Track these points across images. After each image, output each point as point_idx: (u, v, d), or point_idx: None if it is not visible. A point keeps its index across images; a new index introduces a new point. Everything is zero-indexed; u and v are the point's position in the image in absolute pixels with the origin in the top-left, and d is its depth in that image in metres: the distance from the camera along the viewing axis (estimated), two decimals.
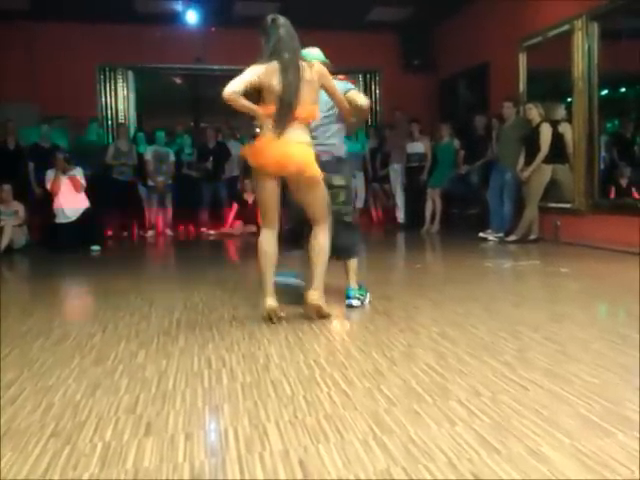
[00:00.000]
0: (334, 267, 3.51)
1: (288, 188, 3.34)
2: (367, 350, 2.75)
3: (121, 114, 9.74)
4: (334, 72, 3.49)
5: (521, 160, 6.83)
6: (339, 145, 3.63)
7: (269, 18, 3.25)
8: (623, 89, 7.06)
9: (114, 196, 8.27)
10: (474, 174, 7.98)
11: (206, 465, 1.67)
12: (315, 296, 3.29)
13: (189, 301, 3.97)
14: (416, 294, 4.08)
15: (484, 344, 2.80)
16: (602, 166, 6.56)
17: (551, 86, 7.48)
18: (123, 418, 2.01)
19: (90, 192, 7.36)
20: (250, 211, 8.71)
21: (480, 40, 8.53)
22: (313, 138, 3.34)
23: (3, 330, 3.25)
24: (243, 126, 9.95)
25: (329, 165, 3.48)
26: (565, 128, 6.71)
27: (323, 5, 8.16)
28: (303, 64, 3.19)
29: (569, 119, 6.71)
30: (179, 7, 8.69)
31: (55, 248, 6.88)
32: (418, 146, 8.58)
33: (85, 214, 7.21)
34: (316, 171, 3.21)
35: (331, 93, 3.33)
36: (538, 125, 6.65)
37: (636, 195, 6.51)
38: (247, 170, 8.99)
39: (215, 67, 9.49)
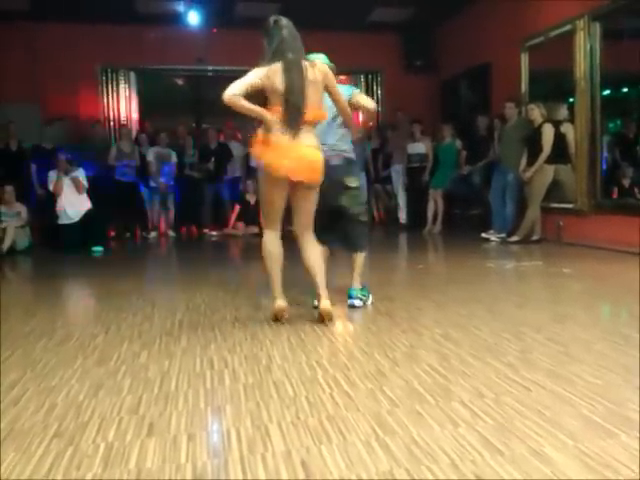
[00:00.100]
0: (334, 267, 3.51)
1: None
2: (369, 351, 2.75)
3: (123, 115, 9.74)
4: (337, 73, 3.51)
5: (523, 160, 6.82)
6: (349, 148, 3.64)
7: (272, 19, 3.24)
8: (625, 89, 7.05)
9: (116, 197, 8.28)
10: (476, 175, 7.98)
11: (208, 466, 1.68)
12: (328, 304, 3.28)
13: (191, 302, 3.97)
14: (418, 295, 4.08)
15: (487, 345, 2.80)
16: (604, 166, 6.55)
17: (553, 86, 7.47)
18: (126, 419, 2.02)
19: (92, 193, 7.37)
20: (252, 212, 8.72)
21: (482, 40, 8.53)
22: (323, 142, 3.34)
23: (6, 331, 3.26)
24: (245, 127, 9.98)
25: (341, 168, 3.52)
26: (567, 128, 6.70)
27: (324, 6, 8.16)
28: (306, 64, 3.18)
29: (571, 119, 6.70)
30: (181, 8, 8.69)
31: (57, 249, 6.90)
32: (419, 147, 8.58)
33: (87, 215, 7.22)
34: (321, 177, 3.21)
35: (334, 96, 3.31)
36: (540, 125, 6.64)
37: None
38: (250, 171, 9.08)
39: (217, 68, 9.50)
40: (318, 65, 3.24)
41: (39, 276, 6.04)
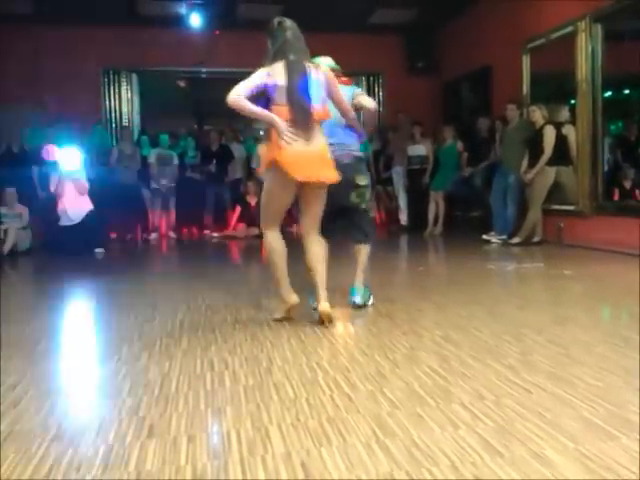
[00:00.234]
0: (335, 268, 3.50)
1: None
2: (370, 353, 2.75)
3: (125, 117, 9.76)
4: (341, 75, 3.55)
5: (524, 162, 6.82)
6: (356, 146, 3.67)
7: (275, 21, 3.24)
8: (627, 91, 7.05)
9: (117, 199, 8.28)
10: (477, 176, 7.98)
11: (208, 467, 1.67)
12: (327, 306, 3.28)
13: (192, 303, 3.97)
14: (419, 297, 4.07)
15: (487, 347, 2.80)
16: (606, 168, 6.55)
17: (555, 88, 7.47)
18: (126, 420, 2.01)
19: (94, 195, 7.38)
20: (253, 213, 8.72)
21: (483, 42, 8.53)
22: (331, 142, 3.35)
23: (7, 332, 3.25)
24: (246, 129, 9.99)
25: (351, 167, 3.55)
26: (569, 130, 6.69)
27: (326, 7, 8.17)
28: (309, 65, 3.18)
29: (573, 121, 6.70)
30: (183, 10, 8.71)
31: (59, 251, 6.90)
32: (419, 148, 8.59)
33: (89, 217, 7.23)
34: (333, 177, 3.21)
35: (336, 101, 3.33)
36: (542, 127, 6.64)
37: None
38: (251, 173, 9.09)
39: (219, 70, 9.51)
40: (322, 69, 3.26)
41: (40, 277, 6.05)
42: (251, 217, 8.69)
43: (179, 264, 7.04)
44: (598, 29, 6.29)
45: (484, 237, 7.12)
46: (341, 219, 3.71)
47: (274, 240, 3.32)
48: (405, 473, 1.61)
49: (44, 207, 7.65)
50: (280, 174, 3.12)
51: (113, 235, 8.42)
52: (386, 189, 9.43)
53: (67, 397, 2.25)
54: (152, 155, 8.68)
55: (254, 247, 7.96)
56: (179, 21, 8.90)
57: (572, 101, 6.71)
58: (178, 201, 8.88)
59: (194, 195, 8.86)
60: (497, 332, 3.05)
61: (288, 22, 3.22)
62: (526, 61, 7.55)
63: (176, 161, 8.80)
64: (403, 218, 8.95)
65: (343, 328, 3.34)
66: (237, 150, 9.24)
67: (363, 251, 3.74)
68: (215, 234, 8.76)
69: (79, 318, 4.11)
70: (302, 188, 3.21)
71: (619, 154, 7.00)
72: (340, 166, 3.33)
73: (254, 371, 2.52)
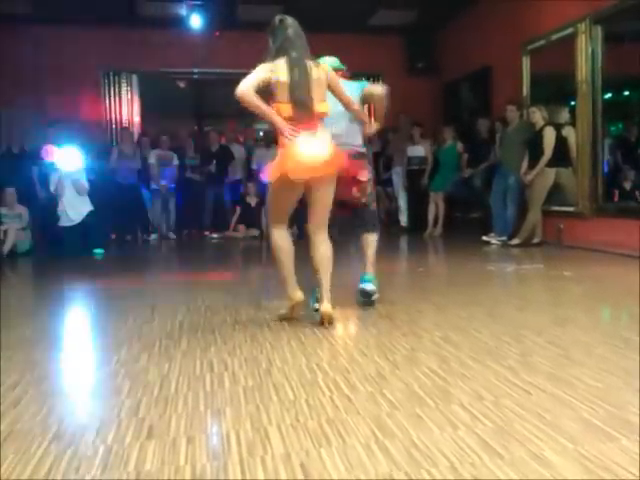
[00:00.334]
0: (335, 267, 3.50)
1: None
2: (369, 354, 2.75)
3: (125, 118, 9.76)
4: (348, 77, 3.62)
5: (524, 163, 6.82)
6: (360, 142, 3.70)
7: (277, 18, 3.25)
8: (627, 92, 7.05)
9: (117, 199, 8.29)
10: (477, 177, 7.97)
11: (208, 468, 1.67)
12: (329, 308, 3.28)
13: (192, 304, 3.97)
14: (419, 298, 4.07)
15: (487, 348, 2.80)
16: (606, 169, 6.55)
17: (555, 89, 7.48)
18: (125, 421, 2.01)
19: (94, 195, 7.38)
20: (253, 214, 8.73)
21: (483, 43, 8.54)
22: (334, 140, 3.36)
23: (6, 333, 3.25)
24: (247, 130, 10.00)
25: (352, 162, 3.55)
26: (569, 131, 6.70)
27: (326, 8, 8.17)
28: (310, 63, 3.18)
29: (573, 122, 6.70)
30: (183, 11, 8.71)
31: (58, 251, 6.90)
32: (419, 149, 8.60)
33: (88, 217, 7.23)
34: (341, 163, 3.22)
35: (338, 94, 3.34)
36: (542, 128, 6.64)
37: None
38: (251, 174, 9.09)
39: (219, 71, 9.51)
40: (322, 65, 3.28)
41: (40, 278, 6.05)
42: (251, 218, 8.71)
43: (179, 265, 7.03)
44: (598, 31, 6.29)
45: (484, 238, 7.12)
46: (341, 216, 3.72)
47: (280, 238, 3.32)
48: (404, 474, 1.61)
49: (44, 207, 7.66)
50: (285, 175, 3.12)
51: (113, 236, 8.42)
52: (386, 190, 9.43)
53: (66, 398, 2.25)
54: (152, 156, 8.68)
55: (254, 248, 7.97)
56: (179, 22, 8.90)
57: (572, 102, 6.71)
58: (178, 202, 8.88)
59: (194, 196, 8.87)
60: (497, 333, 3.05)
61: (289, 20, 3.23)
62: (526, 62, 7.55)
63: (176, 162, 8.80)
64: (403, 219, 8.95)
65: (343, 329, 3.34)
66: (237, 151, 9.24)
67: (371, 241, 3.76)
68: (215, 235, 8.76)
69: (78, 319, 4.11)
70: (308, 185, 3.20)
71: (619, 155, 7.00)
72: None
73: (253, 372, 2.52)
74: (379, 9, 8.89)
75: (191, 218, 9.11)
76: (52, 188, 7.25)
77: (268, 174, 3.24)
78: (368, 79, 10.33)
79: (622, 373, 2.39)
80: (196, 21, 8.84)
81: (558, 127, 6.69)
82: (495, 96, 8.41)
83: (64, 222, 7.20)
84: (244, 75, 3.13)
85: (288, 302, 3.35)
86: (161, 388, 2.34)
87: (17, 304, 4.28)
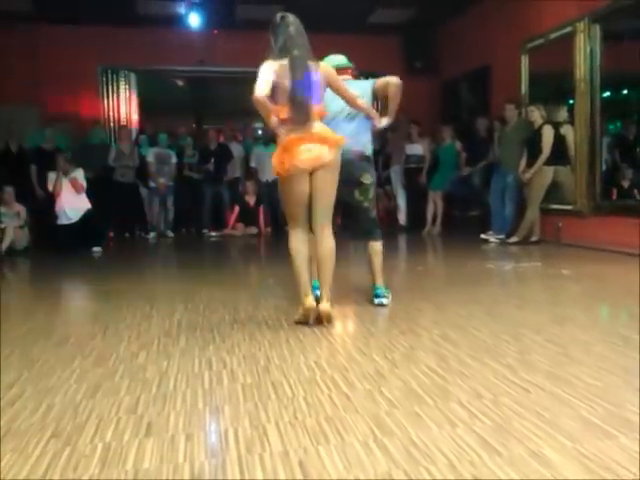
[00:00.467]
0: (339, 268, 3.49)
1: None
2: (368, 352, 2.75)
3: (123, 116, 9.75)
4: (357, 76, 3.63)
5: (523, 162, 6.83)
6: (367, 143, 3.70)
7: (278, 16, 3.23)
8: (625, 91, 7.05)
9: (116, 198, 8.29)
10: (476, 176, 7.98)
11: (206, 466, 1.67)
12: (327, 306, 3.26)
13: (190, 302, 3.96)
14: (418, 296, 4.07)
15: (486, 346, 2.80)
16: (604, 168, 6.56)
17: (553, 88, 7.48)
18: (124, 419, 2.01)
19: (92, 194, 7.37)
20: (251, 213, 8.72)
21: (482, 42, 8.53)
22: (344, 130, 3.38)
23: (5, 331, 3.25)
24: (245, 128, 9.98)
25: (357, 164, 3.60)
26: (567, 130, 6.71)
27: (325, 7, 8.16)
28: (311, 63, 3.18)
29: (571, 121, 6.71)
30: (182, 10, 8.70)
31: (57, 249, 6.89)
32: (417, 148, 8.60)
33: (86, 216, 7.22)
34: (339, 140, 3.21)
35: (340, 92, 3.33)
36: (540, 127, 6.65)
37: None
38: (249, 172, 9.09)
39: (217, 69, 9.50)
40: (321, 65, 3.27)
41: (38, 276, 6.04)
42: (249, 216, 8.71)
43: (177, 263, 7.03)
44: (596, 29, 6.29)
45: (482, 236, 7.13)
46: (344, 218, 3.74)
47: (296, 241, 3.28)
48: (403, 472, 1.60)
49: (42, 206, 7.65)
50: (286, 163, 3.13)
51: (111, 234, 8.41)
52: (384, 188, 9.43)
53: (65, 396, 2.25)
54: (150, 154, 8.67)
55: (252, 246, 7.97)
56: (178, 21, 8.89)
57: (570, 101, 6.72)
58: (176, 200, 8.87)
59: (192, 194, 8.86)
60: (495, 331, 3.05)
61: (291, 17, 3.22)
62: (525, 61, 7.56)
63: (174, 160, 8.79)
64: (402, 218, 8.95)
65: (342, 327, 3.34)
66: (236, 149, 9.23)
67: (377, 249, 3.77)
68: (213, 233, 8.76)
69: (76, 317, 4.11)
70: (311, 179, 3.19)
71: (617, 154, 7.00)
72: (347, 162, 3.36)
73: (252, 370, 2.51)
74: (377, 8, 8.88)
75: (189, 216, 9.10)
76: (50, 187, 7.24)
77: (274, 170, 3.24)
78: (366, 78, 10.37)
79: (621, 371, 2.39)
80: (195, 20, 8.82)
81: (556, 125, 6.70)
82: (494, 95, 8.42)
83: (62, 220, 7.19)
84: (243, 74, 3.14)
85: (300, 308, 3.30)
86: (159, 386, 2.34)
87: (15, 302, 4.28)
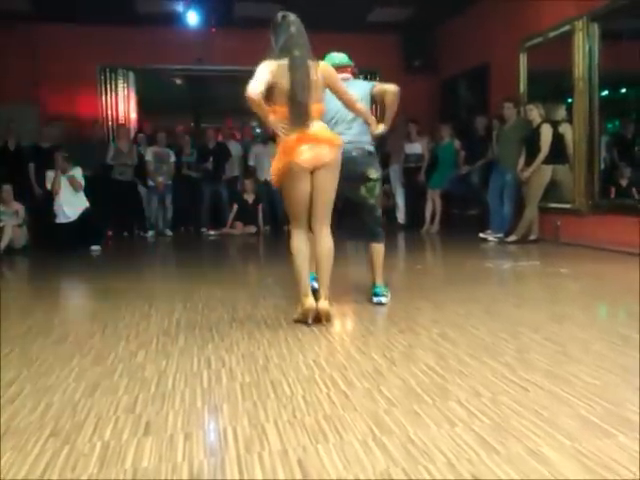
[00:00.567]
0: (336, 265, 3.50)
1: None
2: (367, 351, 2.75)
3: (122, 115, 9.74)
4: (357, 74, 3.64)
5: (521, 160, 6.83)
6: (368, 141, 3.69)
7: (279, 15, 3.22)
8: (624, 90, 7.05)
9: (114, 196, 8.28)
10: (474, 175, 7.99)
11: (205, 465, 1.67)
12: (326, 305, 3.26)
13: (189, 301, 3.96)
14: (416, 295, 4.07)
15: (484, 345, 2.80)
16: (602, 166, 6.56)
17: (552, 87, 7.48)
18: (122, 418, 2.01)
19: (90, 192, 7.36)
20: (250, 211, 8.72)
21: (481, 41, 8.53)
22: (345, 136, 3.38)
23: (3, 329, 3.25)
24: (243, 127, 9.98)
25: (361, 159, 3.59)
26: (565, 129, 6.71)
27: (324, 6, 8.15)
28: (311, 63, 3.17)
29: (570, 120, 6.71)
30: (180, 8, 8.69)
31: (55, 248, 6.88)
32: (416, 147, 8.60)
33: (85, 214, 7.21)
34: (336, 140, 3.22)
35: (339, 94, 3.32)
36: (539, 126, 6.65)
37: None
38: (248, 171, 9.08)
39: (216, 68, 9.49)
40: (321, 65, 3.26)
41: (36, 275, 6.03)
42: (248, 215, 8.70)
43: (176, 262, 7.02)
44: (595, 28, 6.29)
45: (481, 235, 7.14)
46: (348, 217, 3.72)
47: (298, 241, 3.28)
48: (402, 470, 1.61)
49: (40, 204, 7.64)
50: (288, 169, 3.12)
51: (109, 233, 8.40)
52: (383, 187, 9.42)
53: (63, 394, 2.25)
54: (149, 153, 8.66)
55: (251, 245, 7.96)
56: (176, 19, 8.88)
57: (569, 100, 6.72)
58: (175, 199, 8.87)
59: (191, 193, 8.85)
60: (494, 330, 3.05)
61: (292, 17, 3.22)
62: (523, 60, 7.55)
63: (173, 159, 8.79)
64: (400, 216, 8.96)
65: (340, 326, 3.34)
66: (234, 148, 9.23)
67: (378, 250, 3.77)
68: (212, 232, 8.75)
69: (75, 315, 4.11)
70: (312, 173, 3.18)
71: (615, 152, 7.00)
72: (349, 158, 3.36)
73: (251, 369, 2.51)
74: (376, 7, 8.88)
75: (188, 215, 9.09)
76: (48, 185, 7.23)
77: (273, 171, 3.24)
78: (365, 77, 10.39)
79: (620, 370, 2.40)
80: (193, 18, 8.81)
81: (555, 124, 6.70)
82: (492, 93, 8.42)
83: (60, 219, 7.18)
84: (241, 72, 3.13)
85: (299, 307, 3.30)
86: (158, 385, 2.34)
87: (14, 301, 4.27)
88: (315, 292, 3.33)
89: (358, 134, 3.61)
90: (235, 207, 8.76)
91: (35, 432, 1.91)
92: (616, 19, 6.19)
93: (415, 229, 8.38)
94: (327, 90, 3.29)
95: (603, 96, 6.38)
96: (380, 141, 9.31)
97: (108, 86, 9.61)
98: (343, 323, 3.42)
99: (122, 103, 9.75)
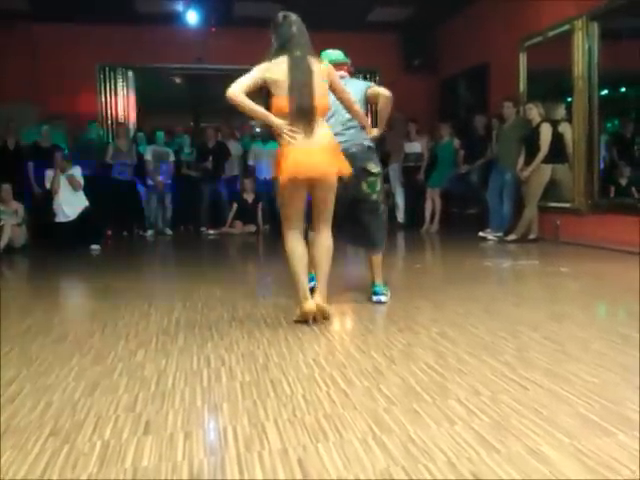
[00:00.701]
0: (335, 264, 3.50)
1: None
2: (366, 349, 2.75)
3: (121, 114, 9.74)
4: (353, 72, 3.63)
5: (521, 160, 6.84)
6: (366, 137, 3.68)
7: (281, 15, 3.23)
8: (623, 89, 7.05)
9: (113, 195, 8.28)
10: (474, 174, 7.99)
11: (205, 464, 1.67)
12: (318, 300, 3.25)
13: (188, 300, 3.96)
14: (416, 294, 4.08)
15: (484, 344, 2.80)
16: (602, 166, 6.56)
17: (551, 86, 7.48)
18: (122, 417, 2.01)
19: (89, 191, 7.36)
20: (250, 211, 8.71)
21: (480, 40, 8.54)
22: (340, 139, 3.37)
23: (3, 328, 3.25)
24: (243, 126, 9.97)
25: (361, 154, 3.57)
26: (565, 128, 6.71)
27: (324, 5, 8.15)
28: (312, 59, 3.17)
29: (569, 119, 6.71)
30: (179, 7, 8.68)
31: (54, 247, 6.88)
32: (415, 146, 8.60)
33: (84, 213, 7.21)
34: (345, 169, 3.21)
35: (339, 94, 3.32)
36: (538, 125, 6.66)
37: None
38: (247, 170, 9.08)
39: (215, 67, 9.48)
40: (323, 63, 3.26)
41: (36, 274, 6.03)
42: (248, 214, 8.70)
43: (175, 261, 7.02)
44: (595, 27, 6.29)
45: (480, 234, 7.14)
46: (350, 222, 3.69)
47: (293, 241, 3.25)
48: (402, 469, 1.61)
49: (40, 203, 7.64)
50: (287, 172, 3.11)
51: (109, 232, 8.40)
52: (383, 186, 9.41)
53: (63, 393, 2.25)
54: (148, 152, 8.66)
55: (250, 244, 7.96)
56: (175, 18, 8.88)
57: (568, 99, 6.72)
58: (174, 198, 8.86)
59: (190, 192, 8.85)
60: (493, 329, 3.06)
61: (293, 16, 3.22)
62: (523, 59, 7.55)
63: (172, 158, 8.79)
64: (400, 215, 8.96)
65: (340, 325, 3.34)
66: (233, 147, 9.23)
67: (377, 257, 3.78)
68: (211, 231, 8.75)
69: (74, 314, 4.11)
70: (311, 184, 3.17)
71: (615, 152, 7.00)
72: (350, 155, 3.36)
73: (251, 368, 2.51)
74: (376, 6, 8.88)
75: (187, 214, 9.09)
76: (47, 184, 7.23)
77: (273, 174, 3.24)
78: (365, 76, 10.38)
79: (619, 369, 2.40)
80: (192, 17, 8.82)
81: (554, 123, 6.70)
82: (492, 93, 8.42)
83: (60, 218, 7.18)
84: (241, 71, 3.13)
85: (299, 310, 3.28)
86: (158, 384, 2.34)
87: (14, 300, 4.27)
88: (314, 290, 3.32)
89: (355, 133, 3.61)
90: (234, 206, 8.76)
91: (35, 431, 1.91)
92: (615, 18, 6.19)
93: (415, 228, 8.38)
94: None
95: (602, 95, 6.38)
96: (379, 140, 9.36)
97: (107, 85, 9.61)
98: (343, 322, 3.42)
99: (121, 102, 9.74)
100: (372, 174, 3.64)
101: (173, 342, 2.96)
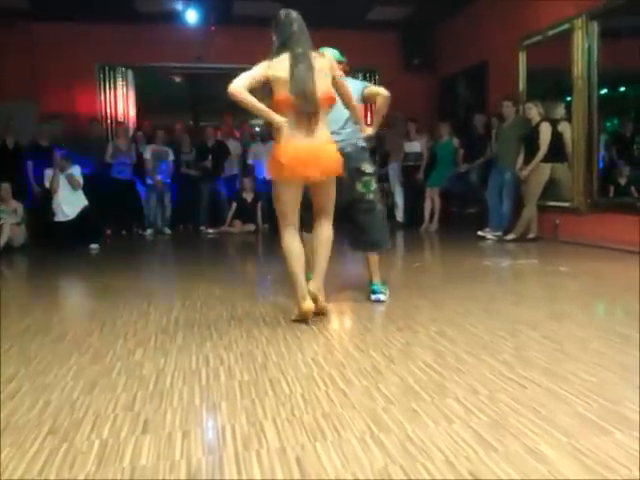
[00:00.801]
0: (335, 263, 3.50)
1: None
2: (365, 348, 2.75)
3: (120, 113, 9.73)
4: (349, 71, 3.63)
5: (520, 159, 6.84)
6: (360, 137, 3.69)
7: (282, 13, 3.23)
8: (622, 88, 7.05)
9: (113, 195, 8.27)
10: (473, 173, 7.99)
11: (203, 463, 1.67)
12: (312, 287, 3.24)
13: (187, 299, 3.96)
14: (415, 293, 4.08)
15: (482, 343, 2.80)
16: (601, 165, 6.56)
17: (551, 85, 7.48)
18: (121, 416, 2.01)
19: (89, 190, 7.36)
20: (249, 210, 8.71)
21: (480, 39, 8.53)
22: (336, 138, 3.37)
23: (3, 327, 3.25)
24: (243, 125, 9.96)
25: (355, 155, 3.59)
26: (564, 127, 6.71)
27: (324, 4, 8.14)
28: (314, 54, 3.18)
29: (568, 118, 6.71)
30: (179, 6, 8.67)
31: (54, 246, 6.88)
32: (415, 145, 8.60)
33: (84, 212, 7.21)
34: (338, 169, 3.22)
35: (339, 88, 3.31)
36: (537, 124, 6.65)
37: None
38: (247, 169, 9.07)
39: (214, 66, 9.47)
40: (326, 56, 3.28)
41: (35, 273, 6.03)
42: (247, 213, 8.70)
43: (174, 260, 7.02)
44: (594, 26, 6.29)
45: (479, 233, 7.14)
46: (347, 223, 3.69)
47: (289, 239, 3.24)
48: (400, 468, 1.61)
49: (39, 203, 7.63)
50: (283, 170, 3.11)
51: (108, 231, 8.40)
52: (382, 186, 9.42)
53: (62, 392, 2.25)
54: (148, 151, 8.66)
55: (250, 243, 7.96)
56: (175, 17, 8.87)
57: (568, 98, 6.72)
58: (174, 197, 8.86)
59: (190, 191, 8.85)
60: (492, 328, 3.06)
61: (294, 14, 3.22)
62: (522, 58, 7.55)
63: (172, 157, 8.78)
64: (399, 215, 8.96)
65: (339, 324, 3.34)
66: (233, 146, 9.22)
67: (374, 257, 3.77)
68: (211, 230, 8.75)
69: (73, 313, 4.10)
70: (309, 180, 3.17)
71: (614, 151, 7.00)
72: (345, 155, 3.37)
73: (249, 367, 2.52)
74: (376, 5, 8.88)
75: (187, 213, 9.09)
76: (47, 183, 7.23)
77: (267, 172, 3.24)
78: (364, 75, 10.38)
79: (618, 368, 2.40)
80: (192, 16, 8.81)
81: (554, 123, 6.70)
82: (491, 92, 8.41)
83: (59, 217, 7.18)
84: (240, 70, 3.12)
85: (295, 309, 3.28)
86: (156, 382, 2.34)
87: (13, 299, 4.27)
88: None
89: (351, 133, 3.61)
90: (234, 205, 8.75)
91: (33, 429, 1.91)
92: (615, 17, 6.18)
93: (414, 227, 8.38)
94: None
95: (602, 94, 6.38)
96: (379, 140, 9.37)
97: (107, 84, 9.60)
98: (341, 321, 3.42)
99: (121, 101, 9.74)
100: (366, 174, 3.66)
101: (172, 341, 2.96)
